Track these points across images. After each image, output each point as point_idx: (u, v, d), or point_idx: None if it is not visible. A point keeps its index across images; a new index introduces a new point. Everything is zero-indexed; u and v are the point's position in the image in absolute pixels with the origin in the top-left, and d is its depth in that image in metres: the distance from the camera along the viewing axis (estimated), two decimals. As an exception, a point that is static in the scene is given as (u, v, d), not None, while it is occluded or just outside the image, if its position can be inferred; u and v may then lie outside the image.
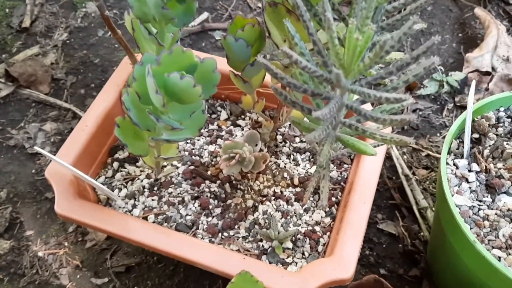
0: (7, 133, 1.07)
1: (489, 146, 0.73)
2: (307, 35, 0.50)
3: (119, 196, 0.76)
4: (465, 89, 1.09)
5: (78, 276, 0.86)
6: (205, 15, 1.28)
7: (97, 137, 0.79)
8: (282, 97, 0.53)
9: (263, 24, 0.68)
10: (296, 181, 0.80)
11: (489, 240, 0.62)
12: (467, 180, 0.68)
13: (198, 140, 0.85)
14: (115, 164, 0.81)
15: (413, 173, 0.99)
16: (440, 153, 0.95)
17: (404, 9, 0.62)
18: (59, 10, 1.29)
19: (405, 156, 1.02)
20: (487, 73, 1.07)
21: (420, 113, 1.08)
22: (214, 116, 0.89)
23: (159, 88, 0.54)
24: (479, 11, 1.15)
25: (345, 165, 0.82)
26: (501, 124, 0.75)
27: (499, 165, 0.71)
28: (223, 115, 0.89)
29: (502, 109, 0.77)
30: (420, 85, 1.09)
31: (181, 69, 0.55)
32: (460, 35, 1.20)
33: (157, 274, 0.86)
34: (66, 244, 0.90)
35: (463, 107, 1.07)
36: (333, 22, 0.45)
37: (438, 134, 1.05)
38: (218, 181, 0.79)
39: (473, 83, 0.75)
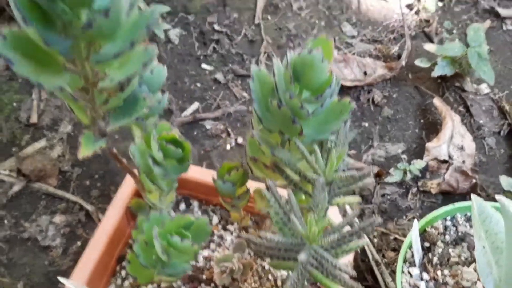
0: (20, 226, 1.20)
1: (438, 254, 0.87)
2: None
3: (128, 304, 0.90)
4: (427, 174, 1.24)
5: None
6: (196, 105, 1.42)
7: (108, 251, 0.92)
8: (261, 254, 0.67)
9: (246, 165, 0.83)
10: (279, 283, 0.93)
11: None
12: (419, 289, 0.83)
13: (194, 245, 0.98)
14: (123, 272, 0.94)
15: (383, 255, 1.14)
16: (405, 236, 1.10)
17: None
18: (64, 104, 1.42)
19: (375, 240, 1.16)
20: (444, 161, 1.22)
21: (388, 197, 1.23)
22: (207, 219, 1.03)
23: (162, 241, 0.68)
24: (437, 102, 1.31)
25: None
26: (448, 232, 0.90)
27: (446, 271, 0.85)
28: (215, 219, 1.03)
29: (448, 218, 0.92)
30: (387, 173, 1.24)
31: (180, 227, 0.69)
32: (422, 121, 1.36)
33: None
34: (80, 336, 1.03)
35: (426, 192, 1.22)
36: (298, 221, 0.59)
37: (404, 217, 1.20)
38: (212, 284, 0.93)
39: (417, 238, 0.88)
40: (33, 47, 0.49)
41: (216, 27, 1.50)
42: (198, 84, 1.46)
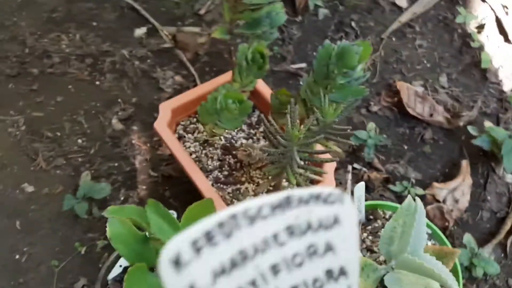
0: (154, 69, 1.76)
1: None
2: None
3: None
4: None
5: None
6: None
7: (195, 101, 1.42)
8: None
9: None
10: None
11: None
12: None
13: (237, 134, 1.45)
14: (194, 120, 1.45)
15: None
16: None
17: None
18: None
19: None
20: (438, 201, 1.54)
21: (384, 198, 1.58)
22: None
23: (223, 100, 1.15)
24: (464, 164, 1.60)
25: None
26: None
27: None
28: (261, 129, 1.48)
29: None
30: (393, 182, 1.59)
31: (234, 97, 1.15)
32: (447, 170, 1.66)
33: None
34: None
35: (410, 212, 1.55)
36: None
37: (383, 217, 1.55)
38: (236, 159, 1.39)
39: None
40: None
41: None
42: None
